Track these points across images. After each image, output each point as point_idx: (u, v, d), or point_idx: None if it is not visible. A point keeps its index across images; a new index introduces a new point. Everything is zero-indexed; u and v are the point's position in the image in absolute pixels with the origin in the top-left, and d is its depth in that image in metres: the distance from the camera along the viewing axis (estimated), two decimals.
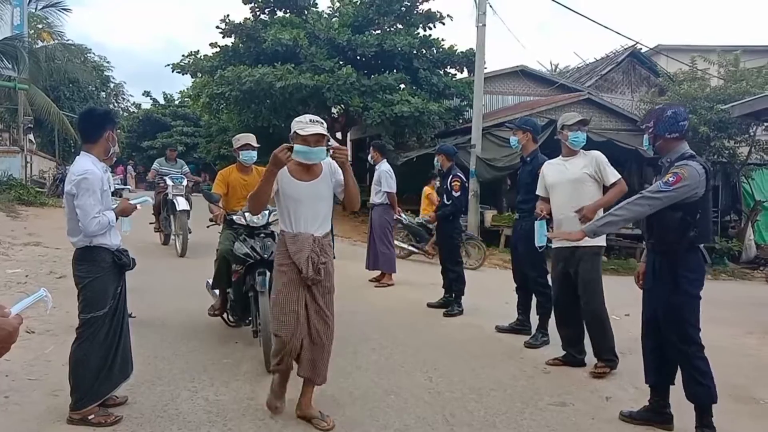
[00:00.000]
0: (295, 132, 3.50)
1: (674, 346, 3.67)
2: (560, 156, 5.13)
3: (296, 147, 3.45)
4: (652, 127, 3.73)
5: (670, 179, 3.49)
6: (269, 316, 4.12)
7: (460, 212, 7.35)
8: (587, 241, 4.25)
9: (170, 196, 10.25)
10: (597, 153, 4.95)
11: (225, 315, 5.53)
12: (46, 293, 1.79)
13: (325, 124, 3.60)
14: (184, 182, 10.58)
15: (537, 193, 5.29)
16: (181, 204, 10.04)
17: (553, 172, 5.11)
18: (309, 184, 3.65)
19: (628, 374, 4.68)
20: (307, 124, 3.50)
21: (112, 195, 6.53)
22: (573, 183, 4.87)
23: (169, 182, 10.43)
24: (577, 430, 3.80)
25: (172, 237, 10.56)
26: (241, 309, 5.13)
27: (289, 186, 3.62)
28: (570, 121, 4.96)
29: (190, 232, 10.25)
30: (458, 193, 6.91)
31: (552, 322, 5.56)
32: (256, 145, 5.66)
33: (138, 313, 6.09)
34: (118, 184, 10.60)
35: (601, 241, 4.78)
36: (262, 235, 4.99)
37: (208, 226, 5.73)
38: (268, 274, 4.56)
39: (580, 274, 4.79)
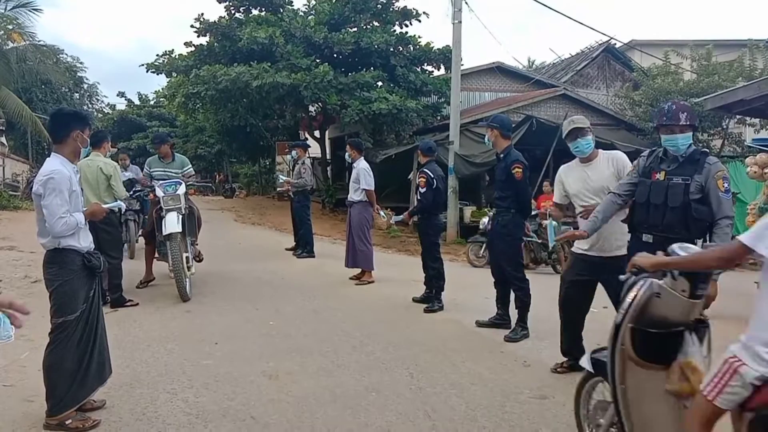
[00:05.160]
0: None
1: None
2: (576, 160, 4.70)
3: None
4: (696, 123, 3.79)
5: (727, 185, 3.66)
6: None
7: (429, 209, 7.05)
8: (622, 251, 4.19)
9: (163, 213, 7.20)
10: (619, 155, 4.59)
11: None
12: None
13: None
14: (180, 190, 7.37)
15: (555, 200, 4.97)
16: (169, 224, 7.00)
17: (573, 180, 4.68)
18: None
19: None
20: None
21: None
22: (598, 192, 4.45)
23: (159, 192, 7.31)
24: (558, 422, 3.83)
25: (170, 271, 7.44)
26: None
27: None
28: (564, 131, 4.59)
29: (198, 260, 7.84)
30: (424, 190, 6.89)
31: (531, 315, 5.62)
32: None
33: (113, 315, 6.04)
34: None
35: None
36: None
37: None
38: None
39: (613, 284, 4.26)
